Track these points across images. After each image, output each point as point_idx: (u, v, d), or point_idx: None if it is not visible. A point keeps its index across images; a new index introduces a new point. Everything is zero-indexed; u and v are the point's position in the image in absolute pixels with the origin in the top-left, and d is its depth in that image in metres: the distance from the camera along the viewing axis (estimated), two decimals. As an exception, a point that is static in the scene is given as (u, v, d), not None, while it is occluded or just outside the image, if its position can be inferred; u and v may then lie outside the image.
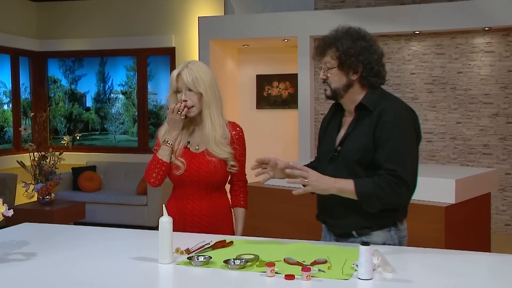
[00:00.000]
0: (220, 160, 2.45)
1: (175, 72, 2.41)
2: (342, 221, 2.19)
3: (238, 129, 2.53)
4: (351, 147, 2.13)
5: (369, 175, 2.07)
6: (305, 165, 2.21)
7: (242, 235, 2.54)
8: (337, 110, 2.28)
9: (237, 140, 2.52)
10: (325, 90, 2.18)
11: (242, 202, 2.58)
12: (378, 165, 2.06)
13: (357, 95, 2.15)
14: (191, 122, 2.49)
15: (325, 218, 2.27)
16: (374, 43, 2.14)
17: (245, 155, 2.57)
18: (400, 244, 2.20)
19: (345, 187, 2.06)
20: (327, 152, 2.24)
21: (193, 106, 2.40)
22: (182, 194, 2.48)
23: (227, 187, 2.60)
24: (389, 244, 2.16)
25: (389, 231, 2.17)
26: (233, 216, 2.60)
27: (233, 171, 2.50)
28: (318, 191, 2.10)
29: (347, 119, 2.21)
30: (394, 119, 2.06)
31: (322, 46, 2.15)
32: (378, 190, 2.02)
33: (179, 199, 2.48)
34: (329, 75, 2.14)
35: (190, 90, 2.38)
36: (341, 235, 2.22)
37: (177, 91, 2.41)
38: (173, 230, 1.98)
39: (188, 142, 2.48)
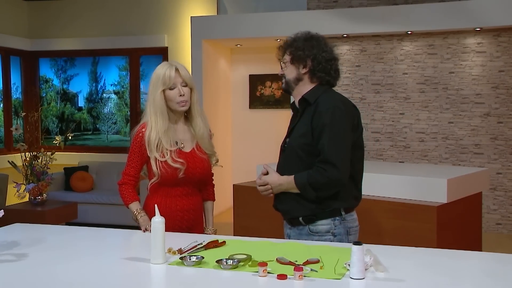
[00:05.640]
0: (207, 156, 2.56)
1: (170, 69, 2.45)
2: (290, 208, 2.34)
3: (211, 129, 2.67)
4: (294, 136, 2.36)
5: (310, 161, 2.27)
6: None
7: (234, 235, 2.57)
8: (295, 109, 2.46)
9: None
10: (282, 83, 2.42)
11: (212, 196, 2.72)
12: (317, 153, 2.26)
13: (304, 89, 2.37)
14: (170, 120, 2.50)
15: (277, 205, 2.42)
16: (327, 46, 2.37)
17: None
18: (348, 234, 2.32)
19: (288, 185, 2.31)
20: (281, 146, 2.46)
21: (187, 101, 2.48)
22: (173, 192, 2.50)
23: None
24: (333, 233, 2.29)
25: (334, 221, 2.31)
26: (203, 209, 2.70)
27: (217, 165, 2.63)
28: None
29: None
30: (326, 110, 2.25)
31: (282, 45, 2.42)
32: (310, 178, 2.23)
33: (168, 197, 2.50)
34: (285, 70, 2.38)
35: (185, 85, 2.46)
36: (291, 221, 2.38)
37: (170, 88, 2.44)
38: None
39: (176, 143, 2.49)
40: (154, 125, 2.44)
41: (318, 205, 2.28)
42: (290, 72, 2.37)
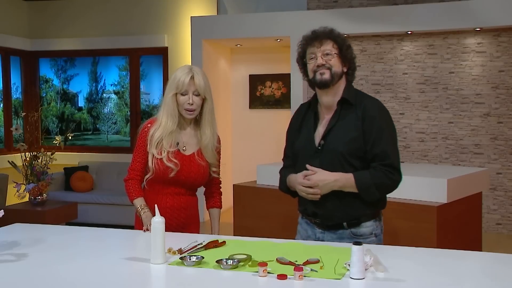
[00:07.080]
0: (207, 164, 2.57)
1: (186, 75, 2.46)
2: (334, 213, 2.27)
3: (219, 141, 2.66)
4: (338, 139, 2.25)
5: (358, 164, 2.23)
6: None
7: (234, 235, 2.57)
8: (307, 111, 2.40)
9: (218, 150, 2.65)
10: (322, 74, 2.25)
11: (218, 203, 2.72)
12: (371, 157, 2.22)
13: (340, 87, 2.30)
14: (180, 123, 2.53)
15: (316, 210, 2.30)
16: None
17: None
18: (382, 233, 2.34)
19: (346, 182, 2.21)
20: (306, 147, 2.32)
21: (194, 110, 2.50)
22: (164, 190, 2.54)
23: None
24: (375, 234, 2.29)
25: (375, 222, 2.31)
26: (209, 216, 2.71)
27: (215, 175, 2.65)
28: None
29: (325, 116, 2.32)
30: (380, 114, 2.25)
31: (321, 34, 2.28)
32: (376, 179, 2.20)
33: (159, 194, 2.54)
34: (329, 61, 2.26)
35: (197, 94, 2.47)
36: (331, 226, 2.30)
37: (182, 94, 2.46)
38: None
39: (177, 144, 2.53)
40: (163, 124, 2.49)
41: (363, 210, 2.25)
42: (338, 66, 2.27)
